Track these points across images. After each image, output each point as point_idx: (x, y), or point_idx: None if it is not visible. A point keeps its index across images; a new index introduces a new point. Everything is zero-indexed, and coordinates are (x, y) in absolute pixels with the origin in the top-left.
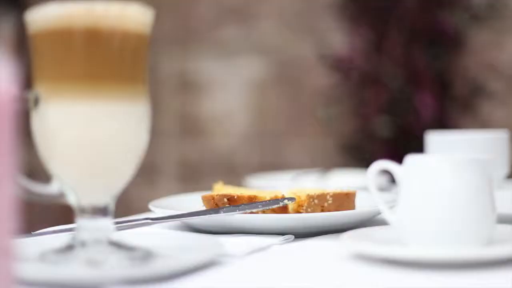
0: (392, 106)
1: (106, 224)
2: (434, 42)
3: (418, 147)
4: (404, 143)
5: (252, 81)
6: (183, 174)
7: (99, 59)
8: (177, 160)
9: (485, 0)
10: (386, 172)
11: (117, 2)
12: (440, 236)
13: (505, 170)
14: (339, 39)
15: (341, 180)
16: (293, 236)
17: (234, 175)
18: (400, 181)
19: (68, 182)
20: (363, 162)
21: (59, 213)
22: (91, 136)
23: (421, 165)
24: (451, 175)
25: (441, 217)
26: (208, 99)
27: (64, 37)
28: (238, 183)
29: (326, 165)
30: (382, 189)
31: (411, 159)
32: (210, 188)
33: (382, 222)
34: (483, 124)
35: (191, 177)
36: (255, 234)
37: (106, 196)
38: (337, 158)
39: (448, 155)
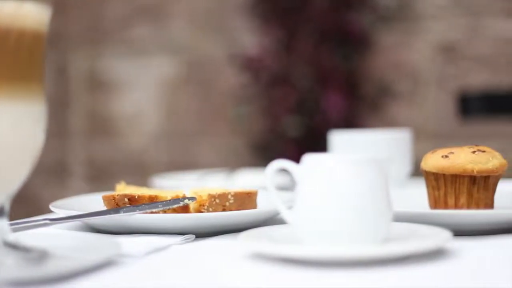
0: (301, 106)
1: (1, 225)
2: (343, 43)
3: (326, 147)
4: (312, 142)
5: (163, 81)
6: (94, 174)
7: None
8: (87, 159)
9: (393, 1)
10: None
11: (13, 0)
12: (336, 235)
13: (407, 169)
14: (249, 39)
15: (248, 179)
16: (193, 236)
17: (145, 175)
18: (298, 180)
19: None
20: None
21: None
22: None
23: (318, 165)
24: (346, 175)
25: (336, 216)
26: (119, 99)
27: None
28: (148, 183)
29: (237, 164)
30: (286, 188)
31: (308, 158)
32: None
33: (284, 222)
34: (390, 123)
35: (101, 177)
36: (156, 234)
37: (1, 197)
38: (247, 158)
39: (344, 155)
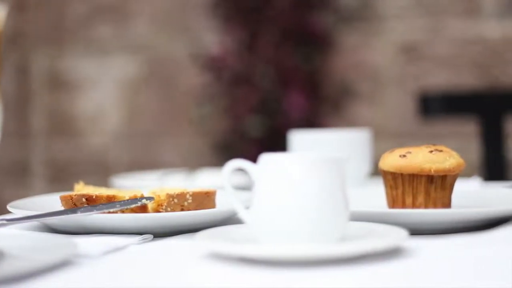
0: (263, 105)
1: None
2: (305, 43)
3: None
4: (274, 142)
5: (124, 80)
6: (55, 174)
7: None
8: (48, 159)
9: (354, 1)
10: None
11: None
12: (293, 235)
13: (366, 168)
14: (211, 38)
15: (208, 179)
16: (151, 236)
17: (106, 175)
18: (255, 180)
19: None
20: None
21: None
22: None
23: (274, 164)
24: (302, 174)
25: (292, 216)
26: (80, 98)
27: None
28: (109, 183)
29: (199, 164)
30: (245, 188)
31: (265, 158)
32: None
33: (242, 221)
34: (352, 123)
35: (63, 177)
36: (114, 234)
37: None
38: (209, 157)
39: (300, 154)
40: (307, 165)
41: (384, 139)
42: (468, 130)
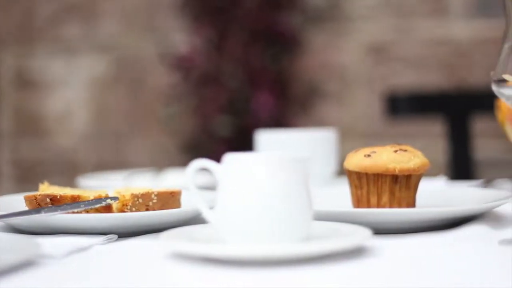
0: (232, 105)
1: None
2: (273, 43)
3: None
4: (243, 142)
5: (92, 80)
6: (22, 174)
7: None
8: (15, 159)
9: (323, 2)
10: None
11: None
12: (256, 235)
13: (332, 168)
14: (180, 38)
15: (175, 179)
16: (116, 236)
17: (74, 175)
18: (219, 180)
19: None
20: None
21: None
22: None
23: (237, 164)
24: (266, 174)
25: (255, 216)
26: (48, 98)
27: None
28: (76, 183)
29: (167, 164)
30: (212, 188)
31: (228, 158)
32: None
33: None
34: (320, 123)
35: (30, 178)
36: (78, 234)
37: None
38: (178, 157)
39: (264, 154)
40: (271, 165)
41: (352, 139)
42: (435, 130)
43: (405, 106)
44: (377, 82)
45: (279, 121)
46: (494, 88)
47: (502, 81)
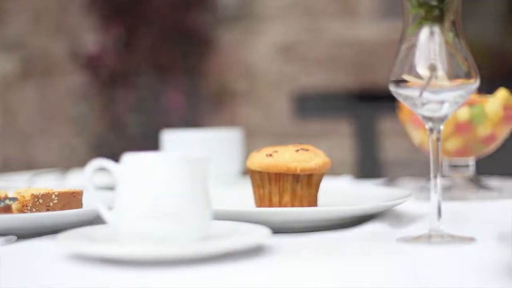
0: (142, 104)
1: None
2: (183, 41)
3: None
4: (153, 141)
5: (1, 78)
6: None
7: None
8: None
9: (233, 1)
10: None
11: None
12: (153, 235)
13: (237, 167)
14: (90, 36)
15: (80, 179)
16: (15, 237)
17: None
18: (118, 180)
19: None
20: (114, 160)
21: None
22: None
23: (135, 164)
24: (163, 174)
25: (152, 216)
26: None
27: None
28: None
29: (78, 164)
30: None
31: (126, 157)
32: None
33: None
34: (231, 122)
35: None
36: None
37: None
38: (88, 157)
39: (163, 154)
40: (168, 165)
41: (262, 138)
42: (343, 130)
43: (313, 106)
44: (286, 82)
45: (190, 120)
46: (392, 88)
47: (400, 82)
